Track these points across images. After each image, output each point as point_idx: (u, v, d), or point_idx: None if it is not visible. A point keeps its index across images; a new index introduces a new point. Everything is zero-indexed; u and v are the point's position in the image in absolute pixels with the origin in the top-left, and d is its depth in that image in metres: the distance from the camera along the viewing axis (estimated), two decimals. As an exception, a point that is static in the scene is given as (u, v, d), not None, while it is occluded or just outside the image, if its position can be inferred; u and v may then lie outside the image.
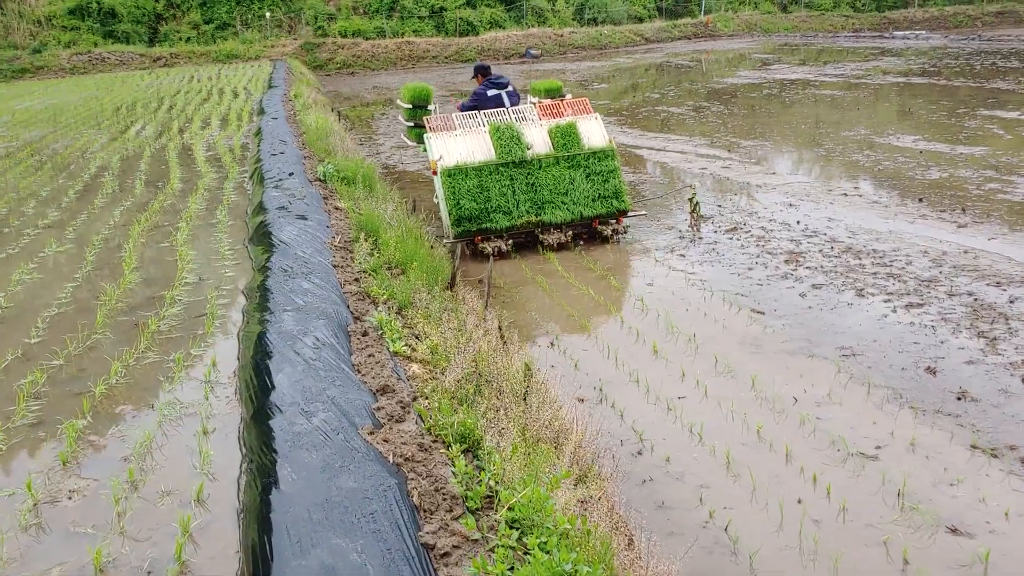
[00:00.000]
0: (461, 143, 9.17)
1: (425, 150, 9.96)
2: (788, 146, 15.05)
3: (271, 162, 10.33)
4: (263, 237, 6.89)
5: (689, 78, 28.45)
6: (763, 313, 7.28)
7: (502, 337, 5.96)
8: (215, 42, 38.05)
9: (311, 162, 10.70)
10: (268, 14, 39.25)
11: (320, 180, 9.47)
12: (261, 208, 7.95)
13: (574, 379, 6.11)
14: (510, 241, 9.09)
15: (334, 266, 6.01)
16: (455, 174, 8.84)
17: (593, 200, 9.25)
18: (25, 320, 5.69)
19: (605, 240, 9.51)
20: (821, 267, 8.35)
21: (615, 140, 9.98)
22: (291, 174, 9.42)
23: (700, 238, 9.51)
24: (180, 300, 5.87)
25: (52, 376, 4.72)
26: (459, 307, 6.20)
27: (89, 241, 7.82)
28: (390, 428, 3.47)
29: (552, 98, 10.66)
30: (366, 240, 6.91)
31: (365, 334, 4.61)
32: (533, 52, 38.58)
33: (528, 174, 9.12)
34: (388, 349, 4.38)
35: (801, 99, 21.30)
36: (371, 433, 3.39)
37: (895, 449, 5.06)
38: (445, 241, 8.89)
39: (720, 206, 10.84)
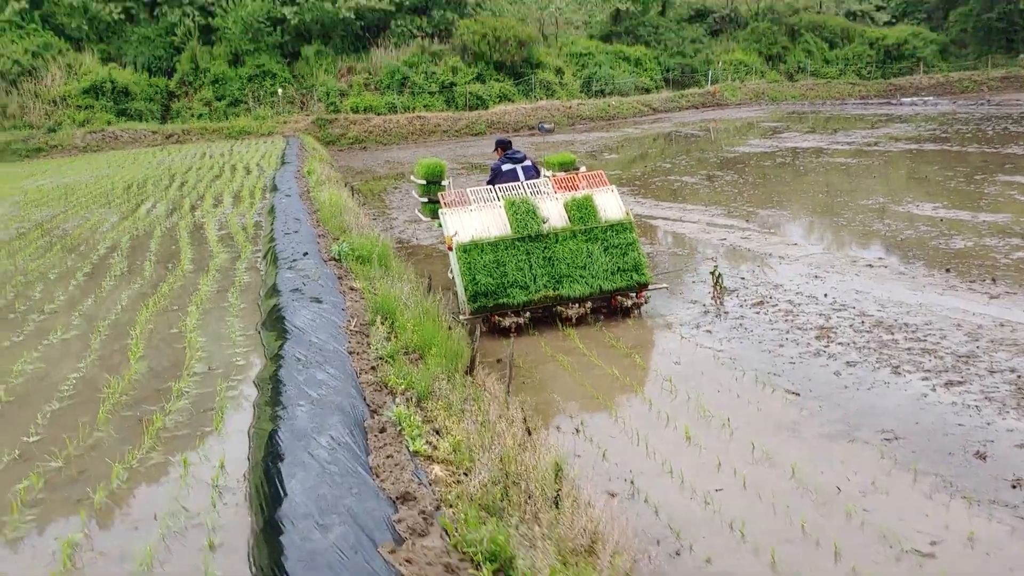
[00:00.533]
0: (476, 218, 9.06)
1: (440, 225, 9.91)
2: (806, 215, 14.84)
3: (285, 241, 10.15)
4: (276, 322, 6.64)
5: (699, 147, 28.49)
6: (798, 394, 6.95)
7: (527, 428, 5.65)
8: (227, 118, 38.47)
9: (325, 240, 10.52)
10: (280, 91, 39.75)
11: (335, 259, 9.27)
12: (274, 291, 7.72)
13: (603, 470, 5.78)
14: (527, 315, 8.87)
15: (350, 353, 5.74)
16: (471, 249, 8.72)
17: (612, 273, 9.06)
18: (25, 415, 5.41)
19: (626, 314, 9.26)
20: (853, 343, 8.03)
21: (631, 211, 9.75)
22: (305, 254, 9.21)
23: (726, 313, 9.22)
24: (187, 392, 5.59)
25: (50, 480, 4.43)
26: (480, 394, 5.90)
27: (95, 327, 7.58)
28: (412, 544, 3.15)
29: (566, 171, 10.57)
30: (382, 323, 6.65)
31: (383, 430, 4.31)
32: (546, 126, 38.81)
33: (545, 248, 8.96)
34: (408, 448, 4.08)
35: (814, 167, 21.18)
36: (392, 552, 3.08)
37: (952, 545, 4.70)
38: (461, 318, 8.71)
39: (743, 278, 10.57)
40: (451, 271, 9.90)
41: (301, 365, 5.25)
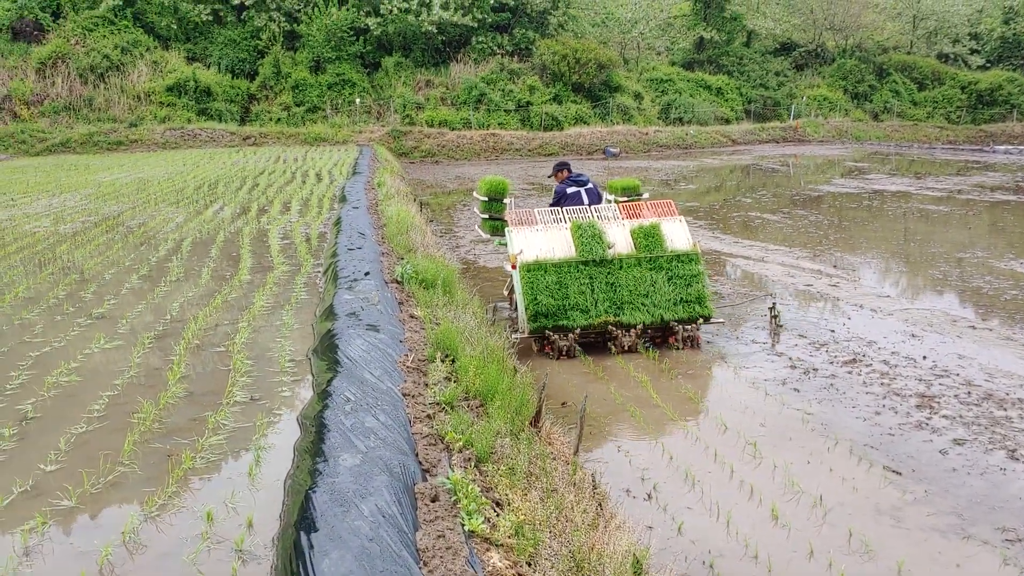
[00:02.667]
0: (542, 238, 9.08)
1: (500, 243, 10.35)
2: (897, 265, 13.92)
3: (347, 258, 9.65)
4: (329, 350, 6.10)
5: (781, 183, 27.54)
6: (900, 474, 6.16)
7: (599, 501, 4.99)
8: (304, 124, 38.68)
9: (389, 259, 10.01)
10: (358, 100, 39.81)
11: (397, 281, 8.73)
12: (331, 313, 7.19)
13: (679, 548, 5.09)
14: (577, 343, 8.84)
15: (404, 395, 5.16)
16: (534, 269, 8.76)
17: (675, 304, 9.01)
18: (48, 437, 4.94)
19: (687, 345, 9.09)
20: (960, 417, 7.20)
21: (707, 246, 9.51)
22: (367, 273, 8.69)
23: (815, 370, 8.43)
24: (224, 426, 5.06)
25: (58, 522, 3.92)
26: (545, 451, 5.26)
27: (139, 339, 7.13)
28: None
29: (629, 196, 10.47)
30: (443, 360, 6.06)
31: (435, 499, 3.71)
32: (612, 150, 38.07)
33: (608, 273, 8.96)
34: (463, 527, 3.47)
35: (904, 213, 20.15)
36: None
37: None
38: (514, 336, 8.65)
39: (832, 331, 9.77)
40: (507, 288, 10.18)
41: (350, 407, 4.68)
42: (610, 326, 8.81)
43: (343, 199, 16.80)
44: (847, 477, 6.09)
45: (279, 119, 39.18)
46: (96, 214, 15.48)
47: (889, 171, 31.15)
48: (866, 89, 52.94)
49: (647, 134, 42.16)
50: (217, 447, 4.75)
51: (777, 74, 52.72)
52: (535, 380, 6.85)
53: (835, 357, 8.84)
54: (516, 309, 9.47)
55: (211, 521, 3.83)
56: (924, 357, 8.81)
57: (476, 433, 4.46)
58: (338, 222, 13.13)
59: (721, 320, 9.54)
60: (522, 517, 3.66)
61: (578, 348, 8.88)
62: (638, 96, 45.81)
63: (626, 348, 8.85)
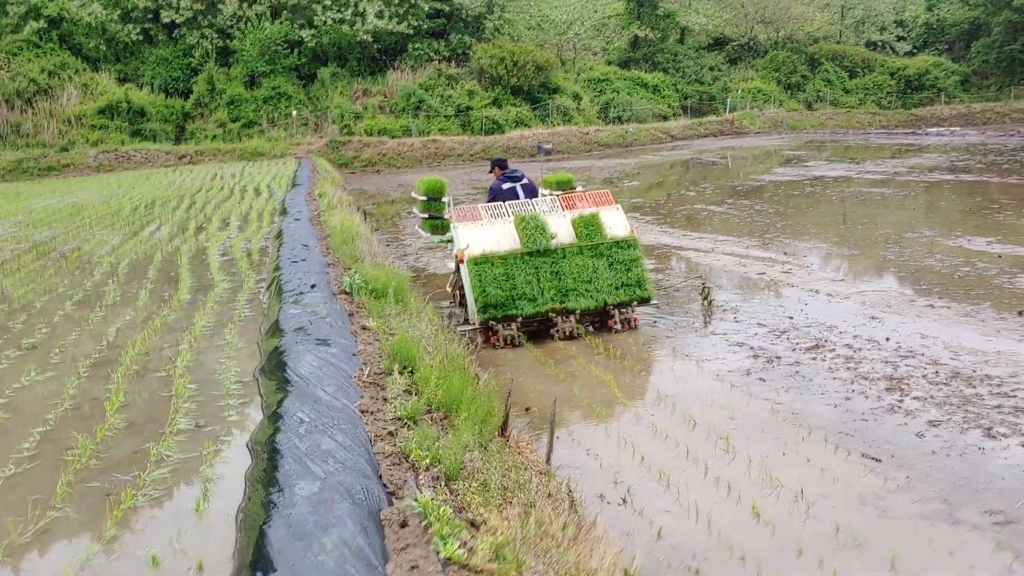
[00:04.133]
0: (487, 232, 9.32)
1: (439, 240, 10.85)
2: (848, 248, 13.89)
3: (291, 271, 9.25)
4: (277, 368, 5.73)
5: (722, 175, 27.64)
6: (879, 460, 5.99)
7: (572, 501, 4.72)
8: (241, 140, 37.92)
9: (336, 270, 9.62)
10: (295, 112, 39.14)
11: (346, 292, 8.36)
12: (277, 329, 6.81)
13: (662, 554, 4.83)
14: (521, 331, 9.17)
15: (362, 412, 4.82)
16: (481, 262, 9.01)
17: (616, 288, 9.38)
18: (-29, 484, 4.50)
19: (630, 327, 9.46)
20: (931, 397, 7.07)
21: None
22: (313, 286, 8.30)
23: (778, 358, 8.27)
24: (167, 458, 4.66)
25: (-18, 582, 3.52)
26: (516, 460, 4.97)
27: (74, 368, 6.68)
28: None
29: (563, 190, 10.65)
30: (400, 372, 5.73)
31: (404, 525, 3.40)
32: (545, 146, 37.39)
33: (552, 263, 9.26)
34: (437, 554, 3.16)
35: (848, 197, 20.26)
36: None
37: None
38: (459, 329, 9.00)
39: (791, 318, 9.63)
40: (450, 283, 10.60)
41: (304, 429, 4.33)
42: (551, 313, 9.11)
43: (283, 212, 16.33)
44: (826, 467, 5.89)
45: (215, 136, 38.37)
46: (27, 240, 14.81)
47: (827, 158, 31.47)
48: (799, 79, 53.66)
49: (588, 134, 42.14)
50: (160, 481, 4.36)
51: (711, 69, 53.17)
52: (498, 386, 6.56)
53: (797, 344, 8.69)
54: (461, 304, 9.89)
55: (156, 566, 3.46)
56: (887, 339, 8.70)
57: (443, 448, 4.15)
58: (279, 235, 12.69)
59: (656, 303, 9.88)
60: (501, 538, 3.36)
61: (522, 336, 9.15)
62: (577, 97, 45.80)
63: (567, 334, 9.16)
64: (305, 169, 28.35)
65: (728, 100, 50.32)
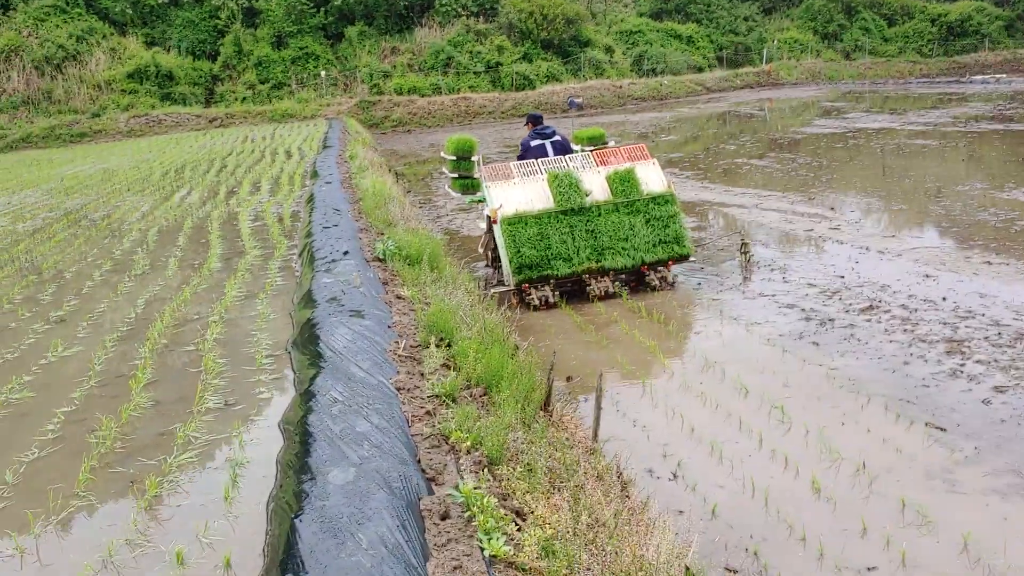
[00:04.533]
0: (520, 191, 9.09)
1: (471, 201, 10.60)
2: (897, 203, 13.38)
3: (323, 237, 8.99)
4: (309, 342, 5.48)
5: (760, 127, 26.95)
6: (944, 430, 5.64)
7: (622, 483, 4.44)
8: (271, 102, 37.67)
9: (368, 235, 9.35)
10: (323, 73, 38.77)
11: (379, 259, 8.09)
12: (309, 299, 6.56)
13: (716, 534, 4.55)
14: (557, 292, 8.95)
15: (399, 389, 4.55)
16: (515, 222, 8.78)
17: (654, 246, 9.12)
18: (-5, 467, 4.31)
19: (667, 286, 9.18)
20: (995, 361, 6.68)
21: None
22: (346, 252, 8.04)
23: (831, 320, 7.89)
24: (195, 440, 4.43)
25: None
26: (560, 437, 4.69)
27: (101, 341, 6.48)
28: None
29: (595, 146, 10.48)
30: (438, 346, 5.46)
31: (445, 517, 3.14)
32: (576, 100, 36.70)
33: (588, 221, 9.01)
34: (482, 551, 2.90)
35: (893, 149, 19.60)
36: None
37: None
38: (493, 291, 8.89)
39: (842, 277, 9.23)
40: (482, 244, 10.22)
41: (337, 409, 4.08)
42: (587, 274, 8.88)
43: (315, 175, 16.07)
44: (887, 437, 5.56)
45: (244, 98, 38.15)
46: (58, 208, 14.71)
47: (866, 108, 30.59)
48: (836, 29, 52.31)
49: (621, 87, 41.41)
50: (188, 466, 4.13)
51: (746, 19, 51.93)
52: (539, 356, 6.27)
53: (850, 305, 8.30)
54: (493, 265, 9.77)
55: (182, 564, 3.23)
56: (944, 299, 8.28)
57: (485, 429, 3.88)
58: (311, 199, 12.44)
59: (695, 260, 9.66)
60: (550, 530, 3.09)
61: (557, 296, 8.92)
62: (609, 50, 44.95)
63: (604, 293, 8.91)
64: (336, 130, 28.05)
65: (764, 51, 49.16)
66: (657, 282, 9.11)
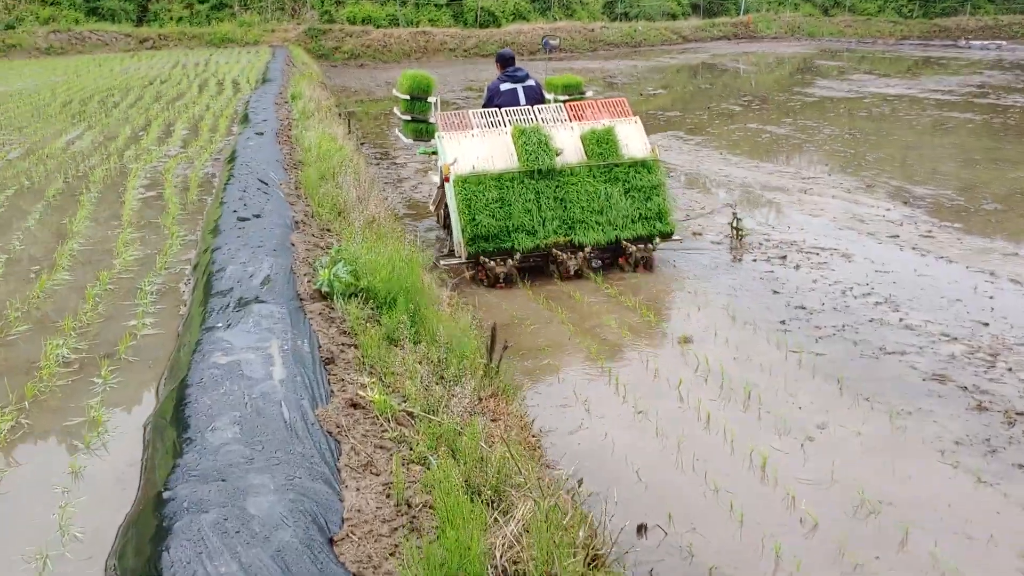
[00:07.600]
0: (479, 145, 7.73)
1: (423, 151, 9.40)
2: (989, 200, 10.49)
3: (234, 241, 5.70)
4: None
5: (760, 86, 24.08)
6: None
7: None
8: (210, 23, 33.73)
9: (307, 235, 6.20)
10: (269, -7, 34.77)
11: (323, 296, 4.93)
12: (179, 404, 3.44)
13: None
14: (517, 268, 7.61)
15: None
16: (471, 182, 7.45)
17: (633, 221, 7.80)
18: None
19: (646, 267, 7.82)
20: None
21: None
22: (266, 281, 4.88)
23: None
24: None
25: None
26: None
27: None
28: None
29: (571, 95, 9.14)
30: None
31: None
32: (551, 42, 32.97)
33: (557, 187, 7.67)
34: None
35: (932, 122, 16.83)
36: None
37: None
38: (443, 263, 7.68)
39: (986, 324, 6.41)
40: (433, 201, 9.08)
41: None
42: (555, 249, 7.60)
43: (245, 119, 12.74)
44: None
45: (181, 18, 34.15)
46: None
47: (867, 70, 27.88)
48: (815, -19, 49.58)
49: (593, 31, 38.26)
50: None
51: (725, -35, 48.78)
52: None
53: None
54: (446, 227, 8.34)
55: None
56: None
57: None
58: (232, 159, 9.15)
59: (679, 238, 8.25)
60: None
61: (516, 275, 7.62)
62: (580, -11, 41.54)
63: (572, 273, 7.54)
64: (279, 61, 24.60)
65: (742, 1, 46.28)
66: (632, 265, 7.80)
